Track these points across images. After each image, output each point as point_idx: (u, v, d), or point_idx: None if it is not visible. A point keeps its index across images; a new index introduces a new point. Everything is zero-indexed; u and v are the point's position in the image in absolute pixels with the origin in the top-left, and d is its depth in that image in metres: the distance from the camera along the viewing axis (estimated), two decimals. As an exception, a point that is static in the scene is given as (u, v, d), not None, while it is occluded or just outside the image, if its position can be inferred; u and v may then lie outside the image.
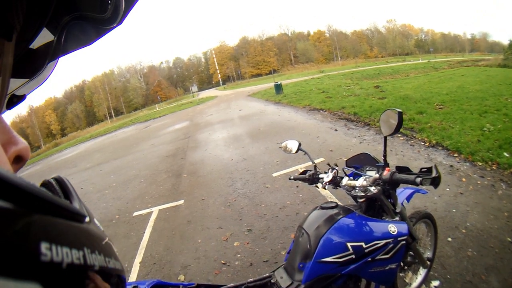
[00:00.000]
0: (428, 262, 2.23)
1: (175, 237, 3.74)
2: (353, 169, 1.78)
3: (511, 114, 5.86)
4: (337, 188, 1.70)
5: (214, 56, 78.76)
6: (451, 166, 4.13)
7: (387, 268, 1.55)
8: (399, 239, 1.54)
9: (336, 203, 1.62)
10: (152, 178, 6.56)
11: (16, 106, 0.38)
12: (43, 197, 0.17)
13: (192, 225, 3.94)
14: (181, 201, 4.79)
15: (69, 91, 73.24)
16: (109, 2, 0.32)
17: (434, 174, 1.32)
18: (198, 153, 7.78)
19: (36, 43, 0.32)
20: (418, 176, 1.33)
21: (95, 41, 0.38)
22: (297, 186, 4.26)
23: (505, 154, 4.06)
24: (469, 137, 4.91)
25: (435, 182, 1.31)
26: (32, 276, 0.14)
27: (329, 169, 1.71)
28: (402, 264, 1.94)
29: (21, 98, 0.37)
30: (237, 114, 12.41)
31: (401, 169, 1.52)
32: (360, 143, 5.78)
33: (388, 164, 1.61)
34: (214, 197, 4.68)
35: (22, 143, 0.30)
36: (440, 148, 4.87)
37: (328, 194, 3.84)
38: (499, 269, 2.36)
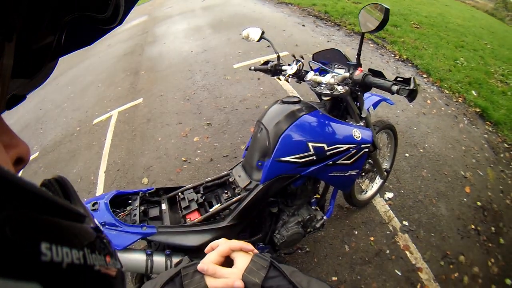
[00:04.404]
0: (385, 173, 2.32)
1: (135, 138, 3.62)
2: (320, 64, 1.63)
3: (486, 58, 5.76)
4: (300, 83, 1.58)
5: None
6: (418, 85, 4.00)
7: (347, 173, 1.54)
8: (362, 146, 1.50)
9: (299, 98, 1.52)
10: (110, 80, 6.03)
11: (16, 106, 0.36)
12: (44, 197, 0.17)
13: (151, 123, 3.80)
14: (140, 100, 4.52)
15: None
16: (109, 2, 0.31)
17: (412, 86, 1.18)
18: (156, 47, 7.13)
19: (36, 43, 0.31)
20: (395, 84, 1.20)
21: (95, 41, 0.38)
22: (259, 79, 4.13)
23: (473, 92, 4.10)
24: (441, 63, 4.86)
25: (412, 95, 1.19)
26: (32, 276, 0.14)
27: (293, 61, 1.56)
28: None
29: (21, 98, 0.36)
30: (198, 5, 11.14)
31: (375, 73, 1.35)
32: (328, 41, 5.50)
33: (361, 64, 1.46)
34: (173, 91, 4.45)
35: (23, 144, 0.30)
36: (410, 64, 4.79)
37: (290, 89, 3.74)
38: (449, 198, 2.50)
